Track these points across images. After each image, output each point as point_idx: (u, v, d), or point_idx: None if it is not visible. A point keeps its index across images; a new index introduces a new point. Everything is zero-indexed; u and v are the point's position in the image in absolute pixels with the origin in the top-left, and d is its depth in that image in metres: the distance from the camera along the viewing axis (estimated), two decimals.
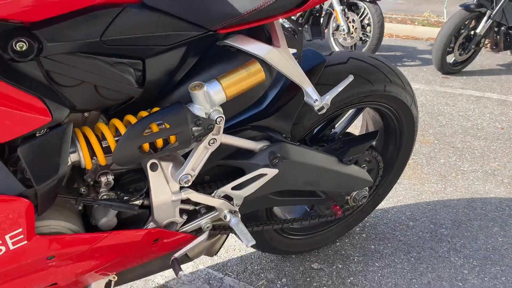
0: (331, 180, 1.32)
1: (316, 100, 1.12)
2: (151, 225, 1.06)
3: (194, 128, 0.95)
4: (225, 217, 1.16)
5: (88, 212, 1.04)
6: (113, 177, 0.98)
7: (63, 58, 0.81)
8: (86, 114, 0.95)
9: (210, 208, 1.16)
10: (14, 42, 0.73)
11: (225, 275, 1.65)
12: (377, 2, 4.21)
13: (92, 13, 0.80)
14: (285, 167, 1.17)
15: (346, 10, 4.33)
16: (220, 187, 1.13)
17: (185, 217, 1.11)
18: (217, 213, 1.16)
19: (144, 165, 1.01)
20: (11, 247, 0.83)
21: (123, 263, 1.08)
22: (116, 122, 0.92)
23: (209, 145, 1.02)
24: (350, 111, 1.51)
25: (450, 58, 4.03)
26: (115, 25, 0.84)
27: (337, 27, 4.42)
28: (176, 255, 1.13)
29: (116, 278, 1.17)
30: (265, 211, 1.45)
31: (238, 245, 1.81)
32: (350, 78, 1.19)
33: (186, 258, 1.25)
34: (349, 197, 1.46)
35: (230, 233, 1.31)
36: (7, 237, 0.80)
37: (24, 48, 0.75)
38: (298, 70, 1.08)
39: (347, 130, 1.52)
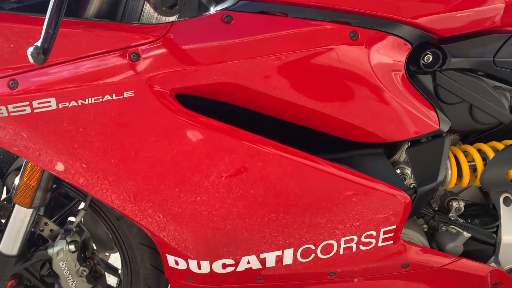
0: None
1: None
2: (492, 265, 0.99)
3: None
4: None
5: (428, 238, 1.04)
6: (464, 203, 0.97)
7: (453, 75, 0.87)
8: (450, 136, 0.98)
9: None
10: (424, 55, 0.84)
11: None
12: None
13: (488, 35, 0.86)
14: None
15: None
16: None
17: None
18: None
19: (496, 199, 0.97)
20: (379, 244, 0.88)
21: None
22: (482, 146, 0.92)
23: None
24: None
25: None
26: (505, 49, 0.87)
27: None
28: None
29: None
30: None
31: None
32: None
33: None
34: None
35: None
36: (382, 230, 0.86)
37: (429, 61, 0.84)
38: None
39: None
